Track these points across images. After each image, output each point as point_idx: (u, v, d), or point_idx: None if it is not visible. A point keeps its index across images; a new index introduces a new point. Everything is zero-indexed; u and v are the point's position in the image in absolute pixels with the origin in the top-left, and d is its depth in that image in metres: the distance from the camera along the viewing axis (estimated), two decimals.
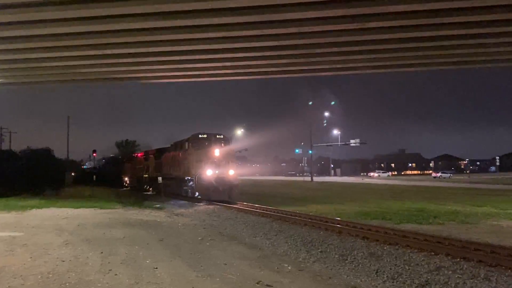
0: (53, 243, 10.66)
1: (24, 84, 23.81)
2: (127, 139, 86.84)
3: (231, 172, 23.70)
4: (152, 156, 35.25)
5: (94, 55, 17.50)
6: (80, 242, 10.99)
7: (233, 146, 25.96)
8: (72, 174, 49.28)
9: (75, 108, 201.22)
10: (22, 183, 28.51)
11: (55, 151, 40.46)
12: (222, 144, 24.56)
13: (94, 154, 53.80)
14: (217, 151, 23.66)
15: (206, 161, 23.38)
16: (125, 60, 18.15)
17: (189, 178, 25.05)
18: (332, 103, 67.94)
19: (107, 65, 19.04)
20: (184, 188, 26.12)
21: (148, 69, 19.87)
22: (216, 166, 23.34)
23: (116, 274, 7.66)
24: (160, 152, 32.96)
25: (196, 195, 24.27)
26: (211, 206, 21.03)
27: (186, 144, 25.87)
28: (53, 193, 28.24)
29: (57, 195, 27.38)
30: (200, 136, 25.12)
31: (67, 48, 16.67)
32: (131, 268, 8.15)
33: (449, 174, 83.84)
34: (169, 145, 30.54)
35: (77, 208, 19.40)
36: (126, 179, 45.79)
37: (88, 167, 67.00)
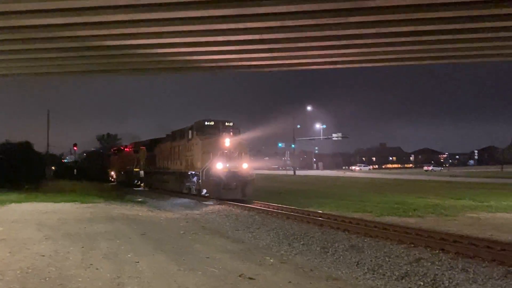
0: (32, 238, 10.52)
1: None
2: (108, 133, 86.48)
3: (245, 166, 20.58)
4: (143, 148, 32.17)
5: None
6: (61, 236, 10.87)
7: (245, 136, 22.54)
8: (53, 168, 48.61)
9: (55, 102, 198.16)
10: (1, 177, 28.07)
11: (35, 145, 39.97)
12: (232, 133, 21.18)
13: (75, 148, 53.17)
14: (227, 141, 20.29)
15: (215, 152, 19.99)
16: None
17: (193, 172, 21.70)
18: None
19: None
20: (186, 184, 22.91)
21: (127, 62, 19.63)
22: (227, 159, 20.08)
23: (97, 269, 7.61)
24: (153, 143, 29.98)
25: (203, 193, 20.82)
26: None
27: (190, 132, 22.25)
28: (33, 187, 27.82)
29: (37, 189, 26.96)
30: (206, 123, 21.65)
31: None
32: (112, 263, 8.11)
33: (440, 168, 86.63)
34: (165, 135, 27.64)
35: (58, 202, 19.15)
36: (113, 173, 43.22)
37: (69, 161, 66.20)
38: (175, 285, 6.73)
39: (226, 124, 21.57)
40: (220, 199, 19.40)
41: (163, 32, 15.54)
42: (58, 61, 19.46)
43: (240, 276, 7.28)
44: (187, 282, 6.87)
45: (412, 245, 9.68)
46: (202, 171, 20.02)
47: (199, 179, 20.70)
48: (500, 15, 13.62)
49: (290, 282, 7.08)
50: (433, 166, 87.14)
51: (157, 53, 18.09)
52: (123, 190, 30.08)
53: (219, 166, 19.76)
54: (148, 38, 16.03)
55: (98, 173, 46.28)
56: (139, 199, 22.16)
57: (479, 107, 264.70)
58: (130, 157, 35.81)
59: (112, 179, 43.02)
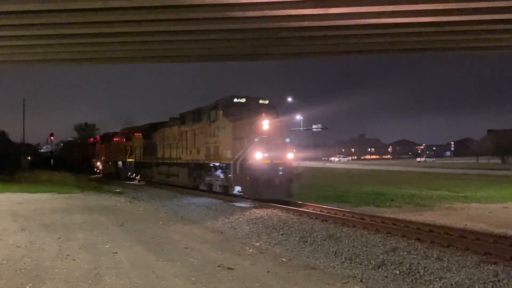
0: (7, 229, 10.35)
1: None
2: (86, 122, 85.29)
3: (290, 156, 16.07)
4: (138, 135, 28.10)
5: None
6: (37, 227, 10.72)
7: (286, 118, 18.22)
8: (29, 158, 47.75)
9: (32, 92, 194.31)
10: None
11: (10, 135, 39.28)
12: (269, 114, 16.45)
13: (52, 138, 52.32)
14: (266, 123, 15.65)
15: (251, 138, 15.47)
16: None
17: (218, 164, 17.24)
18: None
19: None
20: (207, 179, 18.39)
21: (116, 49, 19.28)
22: (267, 147, 15.48)
23: (74, 260, 7.53)
24: (152, 128, 25.88)
25: (235, 191, 16.41)
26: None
27: (213, 112, 17.50)
28: (8, 177, 27.32)
29: (12, 179, 26.50)
30: (235, 100, 17.14)
31: None
32: (90, 253, 8.03)
33: (432, 159, 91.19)
34: (168, 119, 24.00)
35: (34, 193, 18.87)
36: (98, 164, 39.35)
37: (46, 151, 65.17)
38: (153, 275, 6.70)
39: (260, 102, 17.37)
40: (259, 200, 15.44)
41: (143, 21, 15.31)
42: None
43: (219, 266, 7.29)
44: (165, 273, 6.85)
45: (389, 235, 9.82)
46: (235, 163, 15.39)
47: (229, 173, 16.24)
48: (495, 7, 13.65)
49: (268, 271, 7.12)
50: (426, 158, 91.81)
51: (138, 42, 17.76)
52: (108, 181, 29.07)
53: (258, 157, 15.28)
54: (126, 27, 15.75)
55: (78, 163, 44.90)
56: (117, 190, 21.91)
57: (456, 99, 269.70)
58: (121, 146, 31.71)
59: (98, 170, 39.62)
